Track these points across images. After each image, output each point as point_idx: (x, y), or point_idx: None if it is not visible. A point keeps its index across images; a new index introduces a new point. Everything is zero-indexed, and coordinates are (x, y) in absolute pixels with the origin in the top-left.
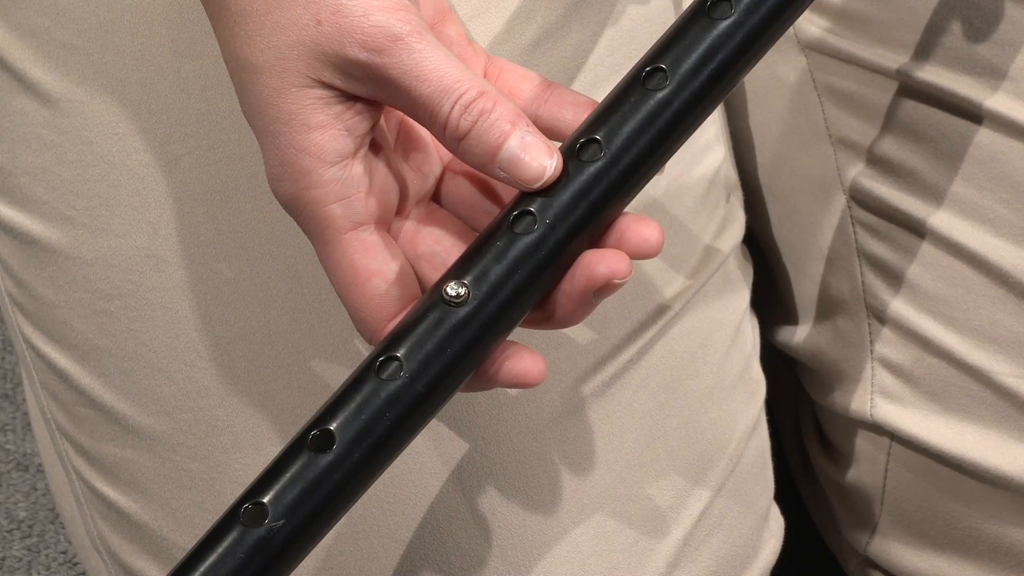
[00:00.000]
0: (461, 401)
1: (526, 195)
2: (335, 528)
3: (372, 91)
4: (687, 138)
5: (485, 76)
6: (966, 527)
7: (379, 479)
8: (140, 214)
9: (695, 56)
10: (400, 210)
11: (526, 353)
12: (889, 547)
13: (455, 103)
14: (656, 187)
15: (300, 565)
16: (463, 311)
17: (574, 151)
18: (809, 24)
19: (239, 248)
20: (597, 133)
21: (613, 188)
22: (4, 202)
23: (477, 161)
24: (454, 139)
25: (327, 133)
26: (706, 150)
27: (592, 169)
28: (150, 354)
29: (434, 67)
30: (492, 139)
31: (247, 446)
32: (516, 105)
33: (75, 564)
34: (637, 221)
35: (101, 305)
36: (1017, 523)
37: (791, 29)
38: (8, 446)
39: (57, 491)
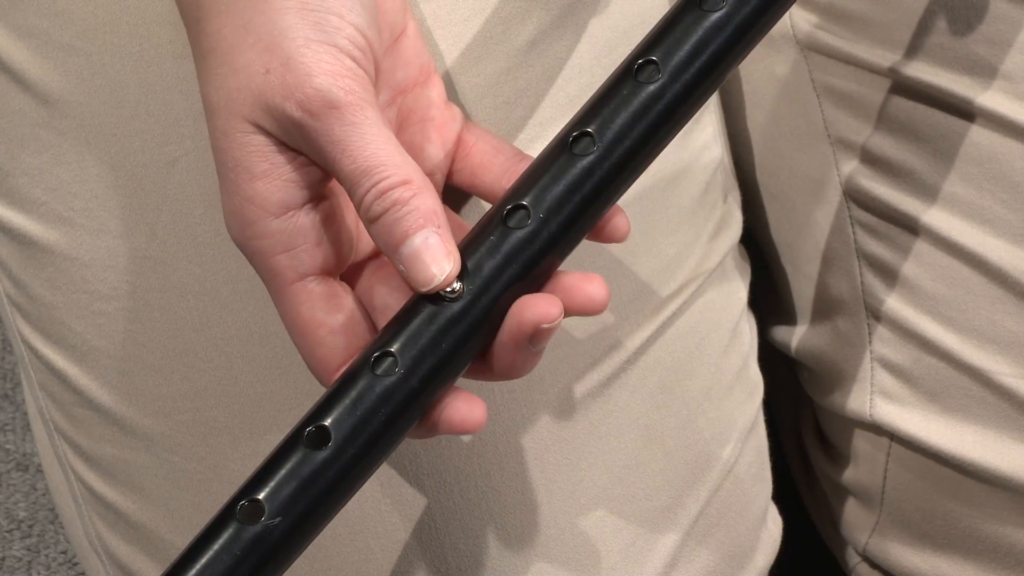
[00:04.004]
0: None
1: (519, 189)
2: (332, 529)
3: (305, 149)
4: (679, 130)
5: (459, 142)
6: (965, 527)
7: (375, 479)
8: (138, 215)
9: (687, 48)
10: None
11: (462, 402)
12: (888, 547)
13: (372, 187)
14: (653, 187)
15: (296, 566)
16: (457, 306)
17: (567, 144)
18: (808, 24)
19: (236, 249)
20: (590, 126)
21: (606, 181)
22: (2, 203)
23: (382, 246)
24: (364, 220)
25: (271, 184)
26: (703, 150)
27: (585, 162)
28: (148, 355)
29: (362, 145)
30: (397, 232)
31: (245, 447)
32: (437, 202)
33: (75, 564)
34: (583, 279)
35: (99, 306)
36: (1016, 523)
37: (789, 29)
38: (8, 446)
39: (56, 491)
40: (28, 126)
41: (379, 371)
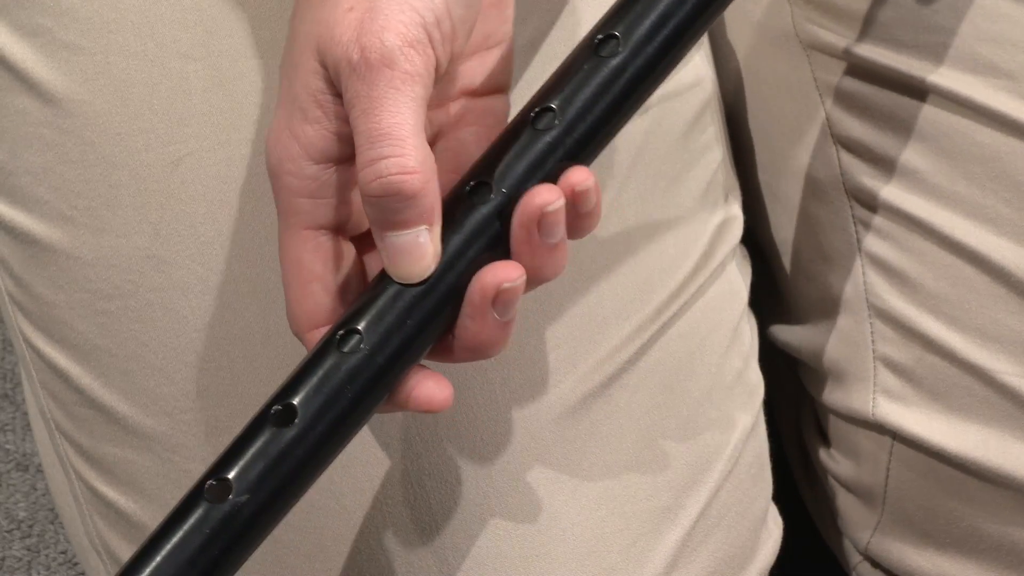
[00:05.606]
0: (459, 403)
1: (481, 166)
2: (333, 529)
3: (344, 96)
4: (641, 104)
5: None
6: (968, 526)
7: (377, 480)
8: (141, 214)
9: (648, 22)
10: None
11: (431, 380)
12: (890, 546)
13: (377, 160)
14: (654, 187)
15: (297, 565)
16: (423, 283)
17: (529, 120)
18: (810, 23)
19: (240, 249)
20: (552, 102)
21: (568, 157)
22: (5, 202)
23: (371, 222)
24: (363, 190)
25: (319, 131)
26: (704, 151)
27: (547, 138)
28: (150, 354)
29: (393, 112)
30: (392, 219)
31: None
32: (437, 198)
33: (75, 564)
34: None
35: (101, 305)
36: (1019, 522)
37: (792, 28)
38: (8, 446)
39: (56, 491)
40: (32, 125)
41: (345, 349)
